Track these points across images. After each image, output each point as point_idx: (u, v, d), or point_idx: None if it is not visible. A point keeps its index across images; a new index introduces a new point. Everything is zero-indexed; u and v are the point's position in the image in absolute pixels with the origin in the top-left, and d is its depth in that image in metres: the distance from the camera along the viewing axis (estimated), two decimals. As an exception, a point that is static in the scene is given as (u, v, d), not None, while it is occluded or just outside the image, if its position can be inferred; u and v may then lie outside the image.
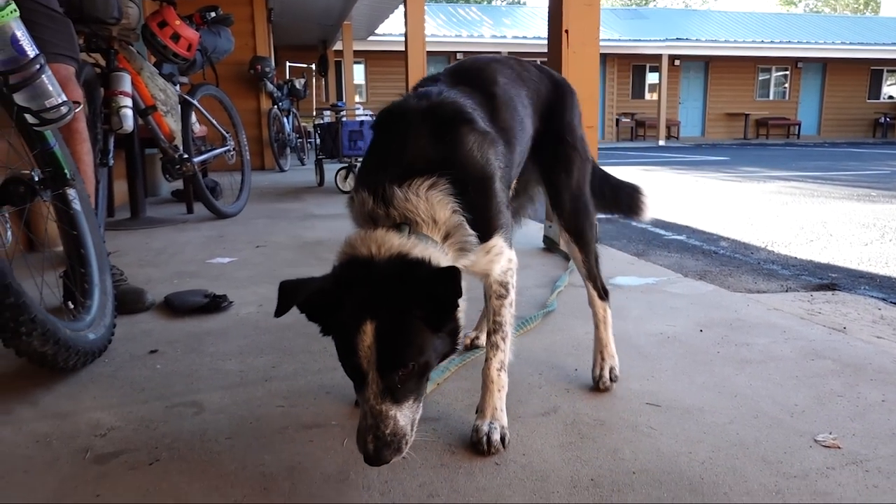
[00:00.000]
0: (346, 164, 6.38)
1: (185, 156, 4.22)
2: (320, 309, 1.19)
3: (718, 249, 4.06)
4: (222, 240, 3.88)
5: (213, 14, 4.49)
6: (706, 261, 3.71)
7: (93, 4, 3.25)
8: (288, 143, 9.71)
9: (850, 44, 23.77)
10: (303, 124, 10.87)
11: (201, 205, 4.71)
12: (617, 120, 23.77)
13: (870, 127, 25.56)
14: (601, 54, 23.40)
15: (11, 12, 1.54)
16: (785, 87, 25.42)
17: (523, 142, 1.63)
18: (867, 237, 4.35)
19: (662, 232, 4.76)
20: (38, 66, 1.60)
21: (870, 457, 1.30)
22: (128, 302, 2.37)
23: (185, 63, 4.30)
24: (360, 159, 6.36)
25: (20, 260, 2.20)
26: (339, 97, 16.28)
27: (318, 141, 7.14)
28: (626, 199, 2.00)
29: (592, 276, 1.76)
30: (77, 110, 1.83)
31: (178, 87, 4.43)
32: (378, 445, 1.07)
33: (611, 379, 1.65)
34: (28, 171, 1.85)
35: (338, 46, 15.79)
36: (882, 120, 24.97)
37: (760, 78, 25.10)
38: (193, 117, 4.59)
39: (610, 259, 3.22)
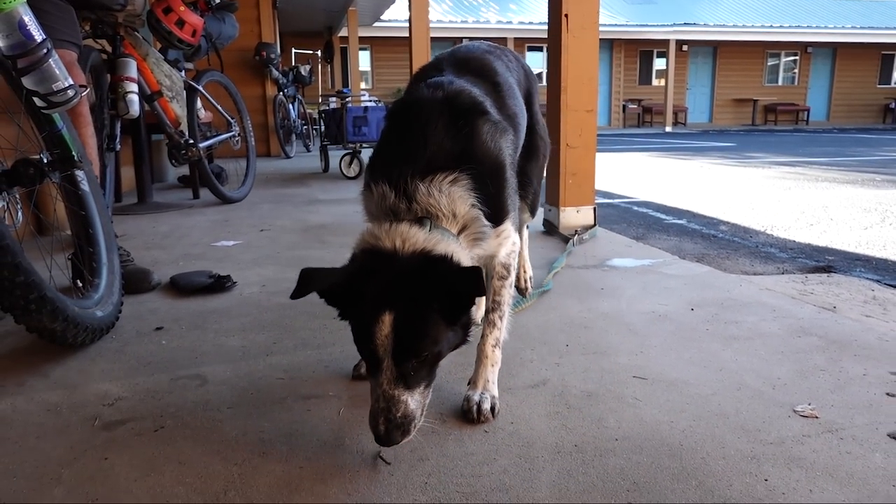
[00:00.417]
0: (351, 150, 6.42)
1: (191, 141, 4.27)
2: (340, 296, 1.24)
3: (717, 233, 4.09)
4: (227, 224, 3.94)
5: (217, 0, 4.53)
6: (705, 244, 3.75)
7: (98, -9, 3.30)
8: (293, 130, 9.74)
9: (861, 28, 23.54)
10: (308, 111, 10.90)
11: (207, 190, 4.77)
12: (623, 106, 23.67)
13: (880, 112, 25.36)
14: (608, 40, 23.18)
15: (19, -2, 1.59)
16: (794, 73, 25.23)
17: (523, 127, 1.72)
18: (867, 221, 4.37)
19: (663, 216, 4.79)
20: (45, 51, 1.65)
21: (846, 426, 1.35)
22: (134, 282, 2.43)
23: (189, 49, 4.33)
24: (365, 145, 6.43)
25: (30, 241, 2.27)
26: (345, 83, 16.28)
27: (322, 127, 7.18)
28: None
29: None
30: (83, 94, 1.89)
31: (183, 73, 4.48)
32: (389, 427, 1.14)
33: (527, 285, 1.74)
34: (37, 154, 1.91)
35: (343, 33, 15.78)
36: (892, 105, 24.77)
37: (769, 63, 24.91)
38: (199, 103, 4.64)
39: (608, 242, 3.26)
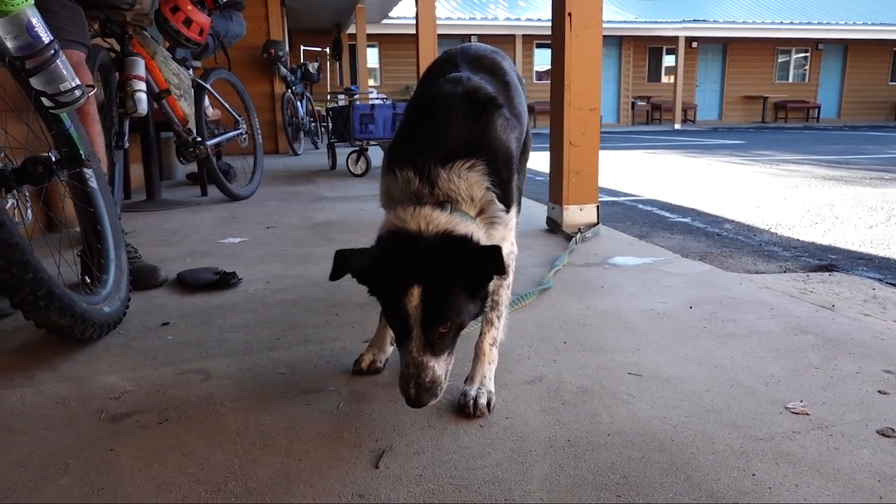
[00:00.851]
0: (358, 148, 6.45)
1: (199, 139, 4.32)
2: (370, 274, 1.34)
3: (721, 231, 4.10)
4: (234, 221, 3.99)
5: (224, -2, 4.56)
6: (708, 242, 3.76)
7: (107, -10, 3.34)
8: (302, 127, 9.80)
9: (873, 24, 23.34)
10: (316, 108, 10.95)
11: (215, 187, 4.82)
12: (632, 103, 23.60)
13: (892, 110, 25.17)
14: (617, 37, 23.08)
15: (27, 0, 1.63)
16: (805, 70, 25.07)
17: (525, 125, 1.79)
18: (873, 220, 4.37)
19: (668, 214, 4.80)
20: (52, 52, 1.69)
21: (836, 423, 1.37)
22: (142, 278, 2.48)
23: (197, 47, 4.38)
24: (372, 143, 6.46)
25: (40, 238, 2.31)
26: (353, 81, 16.31)
27: (330, 125, 7.22)
28: None
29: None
30: (91, 94, 1.93)
31: (191, 72, 4.53)
32: (419, 391, 1.25)
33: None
34: (46, 152, 1.95)
35: (352, 30, 15.81)
36: (904, 102, 24.56)
37: (780, 60, 24.77)
38: (206, 101, 4.69)
39: (611, 240, 3.28)
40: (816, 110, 24.37)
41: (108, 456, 1.28)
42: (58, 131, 2.05)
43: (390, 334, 1.72)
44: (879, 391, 1.52)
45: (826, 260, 3.28)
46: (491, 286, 1.56)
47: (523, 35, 20.79)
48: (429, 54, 6.86)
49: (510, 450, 1.28)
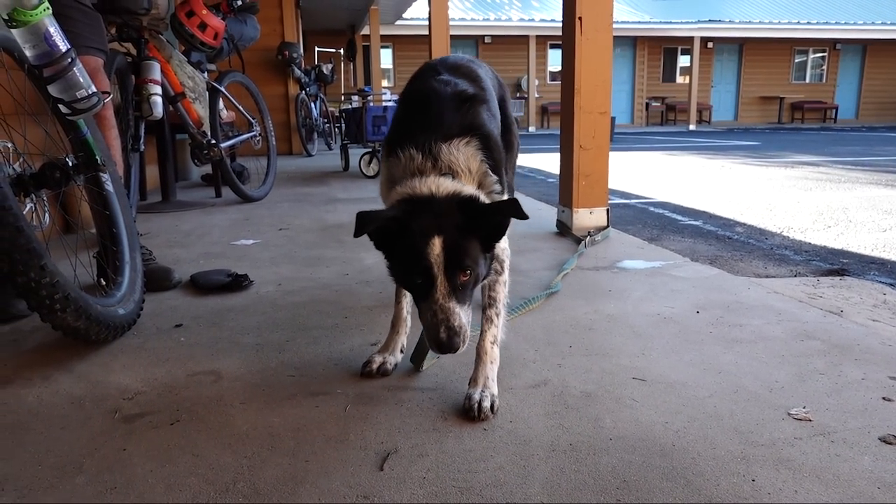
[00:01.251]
0: (370, 149, 6.49)
1: (213, 141, 4.38)
2: (387, 237, 1.44)
3: (733, 235, 4.09)
4: (248, 222, 4.04)
5: (239, 2, 4.62)
6: (719, 246, 3.75)
7: (124, -4, 3.40)
8: (315, 128, 9.86)
9: (892, 24, 23.05)
10: (330, 109, 11.02)
11: (229, 188, 4.87)
12: (647, 104, 23.48)
13: (911, 111, 24.85)
14: (631, 38, 22.99)
15: (45, 10, 1.66)
16: (822, 70, 24.83)
17: (499, 122, 1.91)
18: (887, 223, 4.34)
19: (679, 217, 4.79)
20: (69, 60, 1.73)
21: (838, 429, 1.38)
22: (156, 280, 2.52)
23: (212, 51, 4.44)
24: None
25: (57, 240, 2.36)
26: (367, 82, 16.39)
27: (343, 126, 7.27)
28: None
29: None
30: (107, 100, 1.97)
31: (205, 75, 4.59)
32: (450, 335, 1.32)
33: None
34: (63, 156, 2.00)
35: (365, 31, 15.88)
36: (924, 103, 24.25)
37: (797, 60, 24.55)
38: (221, 103, 4.75)
39: (621, 243, 3.29)
40: (834, 111, 24.12)
41: (121, 455, 1.32)
42: (75, 136, 2.10)
43: (402, 340, 1.76)
44: (884, 398, 1.53)
45: (837, 264, 3.27)
46: (488, 280, 1.63)
47: (537, 36, 20.75)
48: (441, 55, 6.86)
49: (513, 453, 1.31)
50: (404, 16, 17.06)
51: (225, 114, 5.10)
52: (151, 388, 1.64)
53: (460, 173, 1.52)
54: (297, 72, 9.40)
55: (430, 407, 1.51)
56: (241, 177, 5.34)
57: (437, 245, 1.35)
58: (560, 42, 3.51)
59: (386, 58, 21.02)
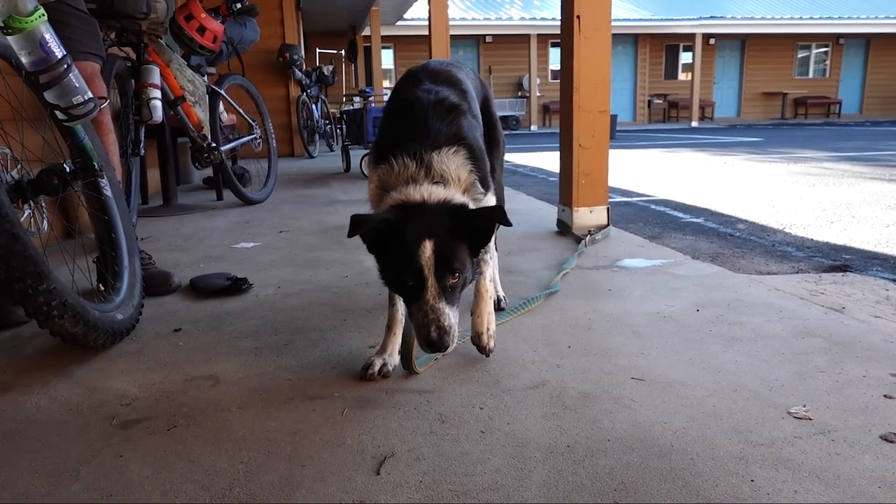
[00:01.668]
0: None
1: (213, 144, 4.38)
2: (379, 240, 1.50)
3: (734, 232, 4.07)
4: (248, 225, 4.04)
5: (238, 5, 4.62)
6: (720, 243, 3.74)
7: (123, 1, 3.40)
8: (317, 130, 9.87)
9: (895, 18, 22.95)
10: (331, 111, 11.02)
11: (230, 191, 4.87)
12: (649, 101, 23.42)
13: (915, 104, 24.73)
14: (632, 35, 22.95)
15: (40, 16, 1.66)
16: (825, 65, 24.72)
17: (481, 125, 1.95)
18: (890, 219, 4.31)
19: (680, 215, 4.78)
20: (65, 66, 1.73)
21: (838, 428, 1.37)
22: (155, 284, 2.52)
23: (211, 54, 4.44)
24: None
25: (55, 245, 2.37)
26: (368, 82, 16.38)
27: (344, 127, 7.27)
28: None
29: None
30: (104, 105, 1.97)
31: (205, 78, 4.59)
32: (441, 334, 1.39)
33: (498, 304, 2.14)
34: (61, 162, 2.00)
35: (366, 32, 15.88)
36: (928, 97, 24.12)
37: (799, 55, 24.45)
38: (221, 106, 4.75)
39: (621, 242, 3.28)
40: (838, 106, 24.02)
41: (117, 462, 1.32)
42: (72, 142, 2.10)
43: (397, 342, 1.75)
44: (885, 395, 1.51)
45: (840, 260, 3.25)
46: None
47: (538, 34, 20.73)
48: (441, 55, 6.87)
49: (510, 456, 1.30)
50: (405, 16, 17.05)
51: (225, 117, 5.10)
52: (149, 393, 1.64)
53: (451, 181, 1.58)
54: (298, 73, 9.41)
55: (427, 410, 1.50)
56: (242, 179, 5.34)
57: (428, 248, 1.41)
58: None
59: (387, 58, 21.02)
